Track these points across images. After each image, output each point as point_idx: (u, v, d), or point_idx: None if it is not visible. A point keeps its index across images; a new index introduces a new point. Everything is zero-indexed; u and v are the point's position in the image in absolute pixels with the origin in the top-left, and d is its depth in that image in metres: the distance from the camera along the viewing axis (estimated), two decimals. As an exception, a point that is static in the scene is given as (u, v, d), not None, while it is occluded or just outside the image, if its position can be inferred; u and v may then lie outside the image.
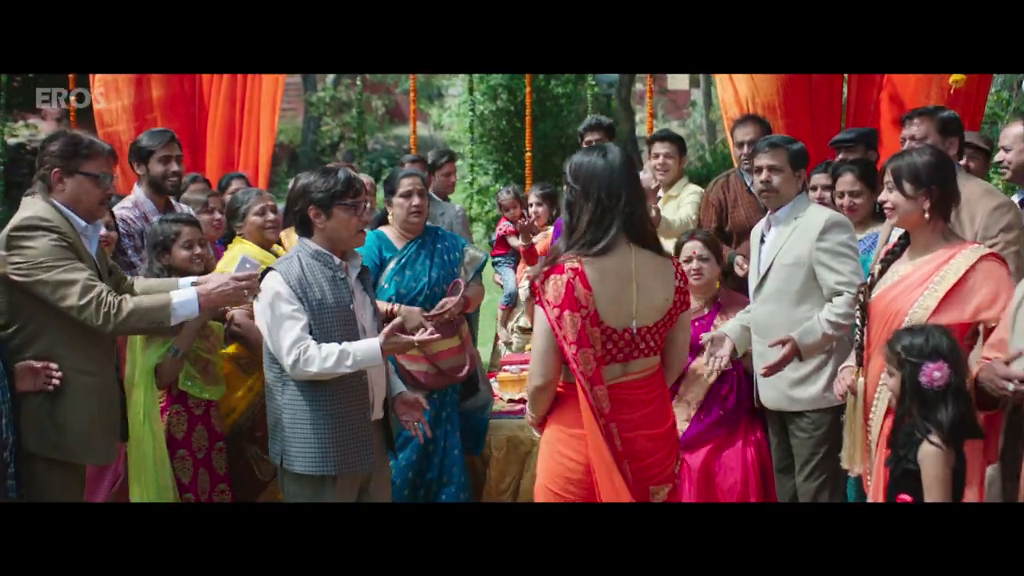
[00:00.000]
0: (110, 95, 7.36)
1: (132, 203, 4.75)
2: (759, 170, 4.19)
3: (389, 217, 4.83)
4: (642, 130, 16.87)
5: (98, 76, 7.44)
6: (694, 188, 5.84)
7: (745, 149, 5.27)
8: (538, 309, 3.09)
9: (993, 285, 3.24)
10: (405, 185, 4.71)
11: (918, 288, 3.33)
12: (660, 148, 5.86)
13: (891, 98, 6.51)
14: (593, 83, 10.40)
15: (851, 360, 3.63)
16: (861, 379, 3.51)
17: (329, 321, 3.55)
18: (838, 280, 3.97)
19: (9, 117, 14.81)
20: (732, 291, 4.77)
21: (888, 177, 3.43)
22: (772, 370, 3.91)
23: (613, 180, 3.07)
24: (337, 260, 3.64)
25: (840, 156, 5.17)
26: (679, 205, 5.70)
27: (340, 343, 3.50)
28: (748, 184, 5.31)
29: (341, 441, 3.56)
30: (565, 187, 3.17)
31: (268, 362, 3.64)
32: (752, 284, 4.31)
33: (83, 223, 3.55)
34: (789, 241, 4.12)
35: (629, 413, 3.12)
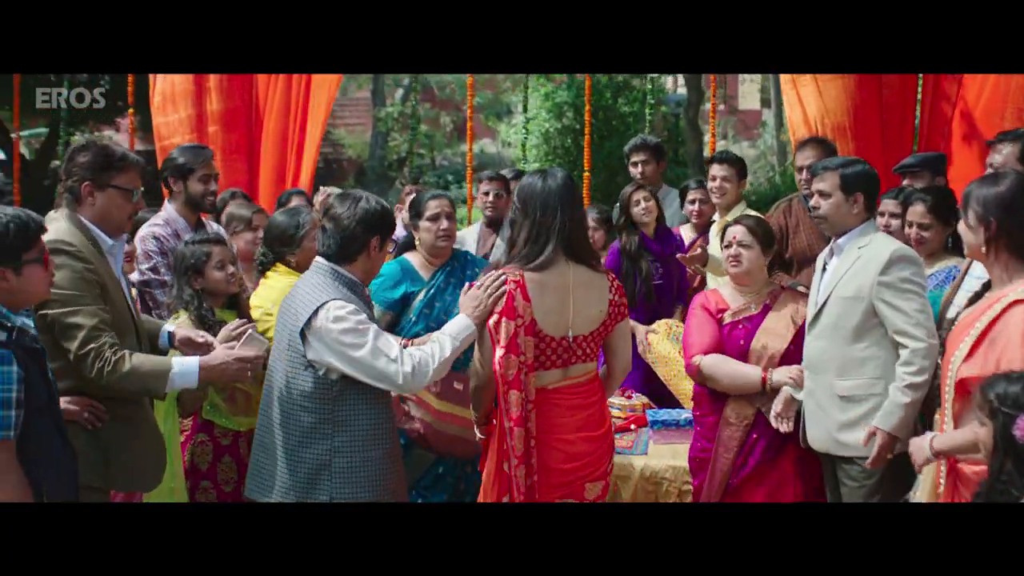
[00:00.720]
0: (167, 108, 7.38)
1: (163, 220, 4.62)
2: (811, 195, 3.98)
3: (416, 242, 4.49)
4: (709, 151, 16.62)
5: (156, 88, 7.48)
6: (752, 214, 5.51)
7: (804, 174, 5.05)
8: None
9: (1017, 334, 2.90)
10: (432, 208, 4.37)
11: (962, 333, 3.07)
12: (717, 171, 5.61)
13: (962, 115, 6.23)
14: (652, 101, 10.07)
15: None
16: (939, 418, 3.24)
17: None
18: (905, 321, 3.62)
19: (84, 128, 15.11)
20: (790, 289, 4.29)
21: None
22: (875, 463, 3.64)
23: (550, 202, 3.40)
24: (367, 295, 3.51)
25: (905, 182, 4.90)
26: None
27: None
28: (811, 209, 5.08)
29: (391, 473, 3.43)
30: (511, 206, 3.55)
31: (305, 404, 3.37)
32: (809, 316, 3.97)
33: (109, 241, 3.43)
34: (850, 272, 3.77)
35: (571, 416, 3.48)
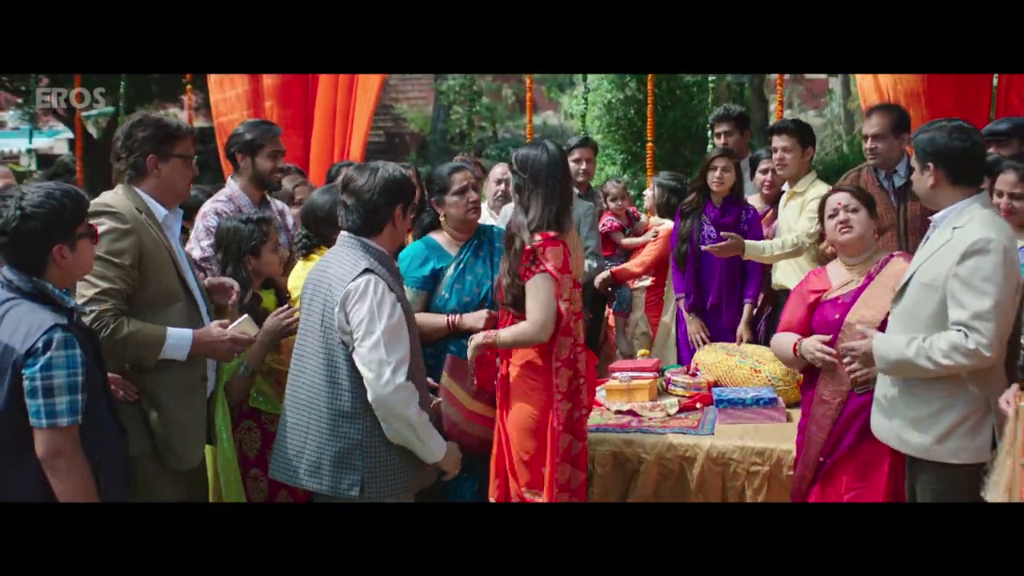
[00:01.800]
0: (225, 85, 7.35)
1: (227, 197, 4.55)
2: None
3: (442, 218, 4.28)
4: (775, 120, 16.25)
5: (212, 65, 7.44)
6: (821, 190, 5.09)
7: (870, 143, 4.82)
8: (543, 276, 3.67)
9: None
10: (459, 181, 4.20)
11: None
12: (777, 141, 5.39)
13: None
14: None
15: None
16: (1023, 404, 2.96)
17: (411, 325, 3.36)
18: (957, 318, 3.28)
19: (149, 106, 15.27)
20: (903, 253, 3.99)
21: None
22: (838, 351, 3.51)
23: (554, 171, 3.77)
24: (396, 267, 3.44)
25: (991, 150, 4.58)
26: (802, 207, 5.22)
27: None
28: (880, 180, 4.88)
29: (413, 456, 3.40)
30: (512, 175, 3.85)
31: (341, 382, 3.32)
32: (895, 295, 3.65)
33: (163, 211, 3.46)
34: (936, 255, 3.41)
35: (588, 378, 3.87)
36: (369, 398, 3.26)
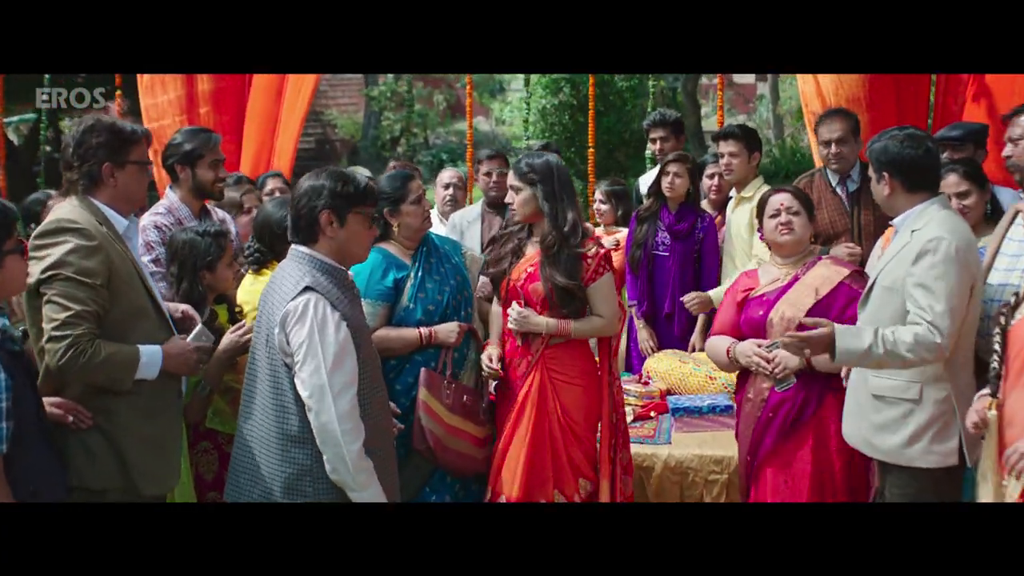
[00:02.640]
0: (156, 89, 7.11)
1: (166, 209, 4.31)
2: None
3: (395, 228, 4.12)
4: (709, 124, 16.40)
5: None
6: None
7: (833, 148, 4.82)
8: (609, 275, 3.99)
9: None
10: (415, 190, 4.10)
11: None
12: (724, 147, 5.35)
13: (976, 82, 5.98)
14: (657, 77, 9.92)
15: (987, 389, 3.10)
16: (993, 412, 3.00)
17: (366, 345, 3.16)
18: (916, 312, 3.31)
19: (79, 111, 14.84)
20: (831, 257, 4.07)
21: None
22: (786, 343, 3.42)
23: (568, 176, 4.02)
24: (350, 280, 3.24)
25: (945, 155, 4.61)
26: (752, 214, 5.18)
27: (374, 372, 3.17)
28: (834, 185, 4.88)
29: (381, 479, 3.22)
30: (530, 183, 3.92)
31: (287, 406, 3.09)
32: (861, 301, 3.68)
33: (124, 222, 3.27)
34: (896, 259, 3.46)
35: None
36: (312, 426, 3.06)
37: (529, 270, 3.98)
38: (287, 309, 3.05)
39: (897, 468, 3.46)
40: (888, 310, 3.43)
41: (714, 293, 5.15)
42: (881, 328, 3.32)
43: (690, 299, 5.18)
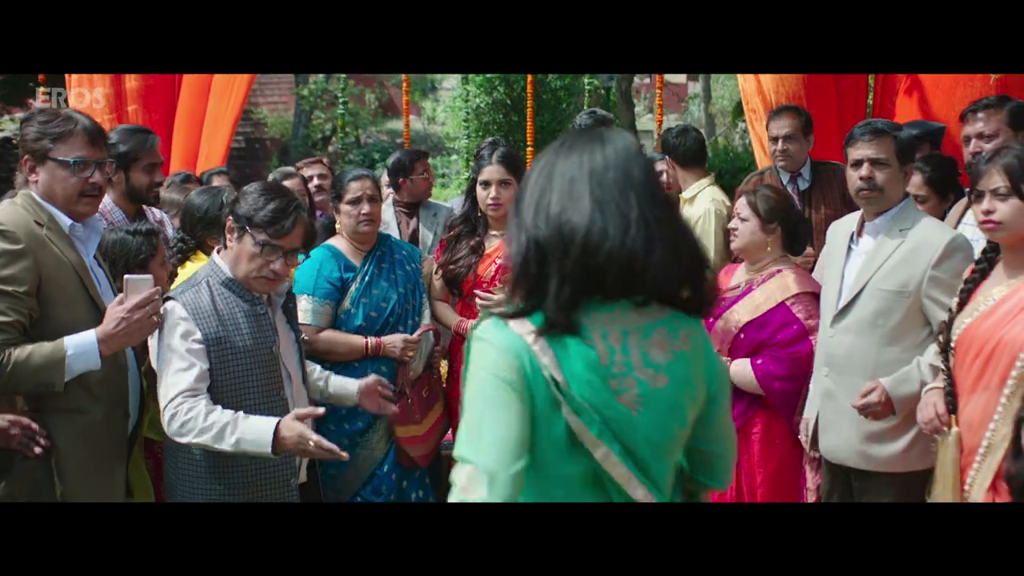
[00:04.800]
0: (83, 86, 6.89)
1: (98, 212, 4.17)
2: (857, 164, 3.41)
3: (337, 226, 4.10)
4: (643, 123, 16.48)
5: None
6: (711, 195, 5.09)
7: (780, 144, 4.80)
8: None
9: None
10: (353, 190, 4.00)
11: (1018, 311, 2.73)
12: (661, 166, 5.30)
13: (911, 80, 6.05)
14: (591, 76, 9.92)
15: (939, 381, 3.02)
16: (955, 429, 2.89)
17: (245, 367, 2.99)
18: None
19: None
20: (798, 267, 3.90)
21: (998, 181, 2.76)
22: (862, 407, 3.25)
23: None
24: (248, 294, 3.10)
25: None
26: (697, 215, 5.05)
27: (259, 394, 3.01)
28: (784, 183, 4.87)
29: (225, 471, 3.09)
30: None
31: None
32: (832, 305, 3.51)
33: (68, 222, 3.01)
34: (894, 260, 3.32)
35: None
36: None
37: (498, 262, 3.97)
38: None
39: (887, 475, 3.36)
40: (893, 316, 3.32)
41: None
42: (917, 358, 3.22)
43: None
